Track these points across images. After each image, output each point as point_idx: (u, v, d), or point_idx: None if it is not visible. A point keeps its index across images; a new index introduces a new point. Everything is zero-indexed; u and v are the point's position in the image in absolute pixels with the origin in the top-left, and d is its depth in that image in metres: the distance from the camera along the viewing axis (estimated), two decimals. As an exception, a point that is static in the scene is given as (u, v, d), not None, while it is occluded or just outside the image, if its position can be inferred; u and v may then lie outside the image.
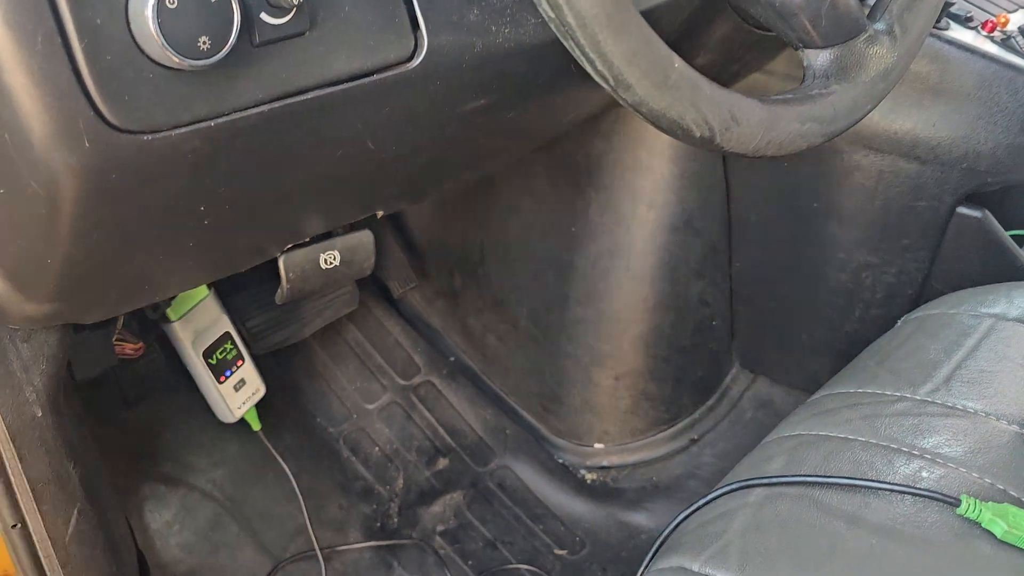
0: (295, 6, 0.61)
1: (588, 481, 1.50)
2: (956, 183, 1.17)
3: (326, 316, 1.45)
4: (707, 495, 0.86)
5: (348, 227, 0.99)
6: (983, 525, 0.75)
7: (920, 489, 0.78)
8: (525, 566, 1.40)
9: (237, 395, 1.31)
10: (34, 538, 0.90)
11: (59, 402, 0.88)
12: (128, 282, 0.77)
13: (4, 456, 0.86)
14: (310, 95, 0.65)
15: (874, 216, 1.23)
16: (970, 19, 1.16)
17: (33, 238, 0.65)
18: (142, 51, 0.57)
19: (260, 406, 1.35)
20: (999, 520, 0.74)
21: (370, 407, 1.52)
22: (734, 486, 0.85)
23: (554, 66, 0.78)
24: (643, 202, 1.33)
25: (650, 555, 0.85)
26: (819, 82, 0.80)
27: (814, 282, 1.34)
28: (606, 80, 0.65)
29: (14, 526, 0.88)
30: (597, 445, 1.51)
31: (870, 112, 0.82)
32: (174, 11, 0.56)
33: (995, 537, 0.75)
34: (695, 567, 0.77)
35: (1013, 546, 0.74)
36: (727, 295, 1.45)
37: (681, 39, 0.87)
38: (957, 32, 1.14)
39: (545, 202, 1.39)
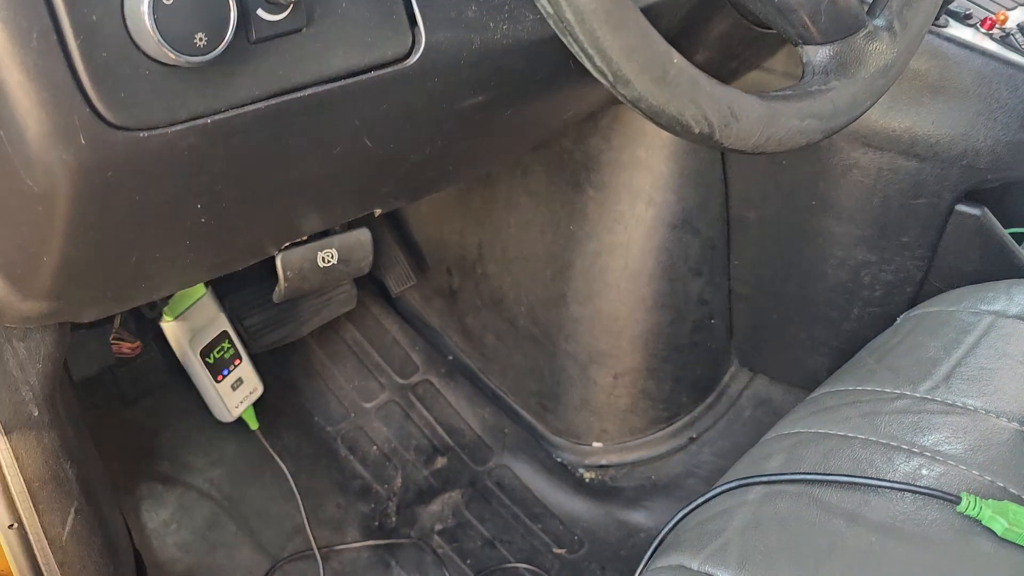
0: (292, 2, 0.61)
1: (587, 480, 1.50)
2: (955, 180, 1.16)
3: (324, 315, 1.45)
4: (706, 493, 0.86)
5: (346, 225, 0.99)
6: (983, 523, 0.75)
7: (920, 487, 0.78)
8: (524, 565, 1.40)
9: (235, 394, 1.31)
10: (31, 538, 0.89)
11: (56, 401, 0.88)
12: (125, 280, 0.77)
13: (0, 455, 0.86)
14: (307, 92, 0.64)
15: (873, 214, 1.23)
16: (969, 16, 1.16)
17: (29, 236, 0.65)
18: (138, 48, 0.57)
19: (258, 405, 1.35)
20: (999, 518, 0.74)
21: (368, 406, 1.52)
22: (733, 484, 0.85)
23: (552, 63, 0.78)
24: (641, 200, 1.33)
25: (649, 553, 0.85)
26: (818, 78, 0.80)
27: (813, 280, 1.33)
28: (605, 76, 0.65)
29: (11, 526, 0.88)
30: (596, 444, 1.51)
31: (870, 108, 0.82)
32: (170, 7, 0.55)
33: (995, 535, 0.74)
34: (694, 565, 0.77)
35: (1014, 543, 0.74)
36: (726, 293, 1.45)
37: (680, 36, 0.87)
38: (956, 29, 1.14)
39: (543, 200, 1.38)
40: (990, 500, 0.76)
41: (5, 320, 0.79)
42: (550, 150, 1.33)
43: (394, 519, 1.42)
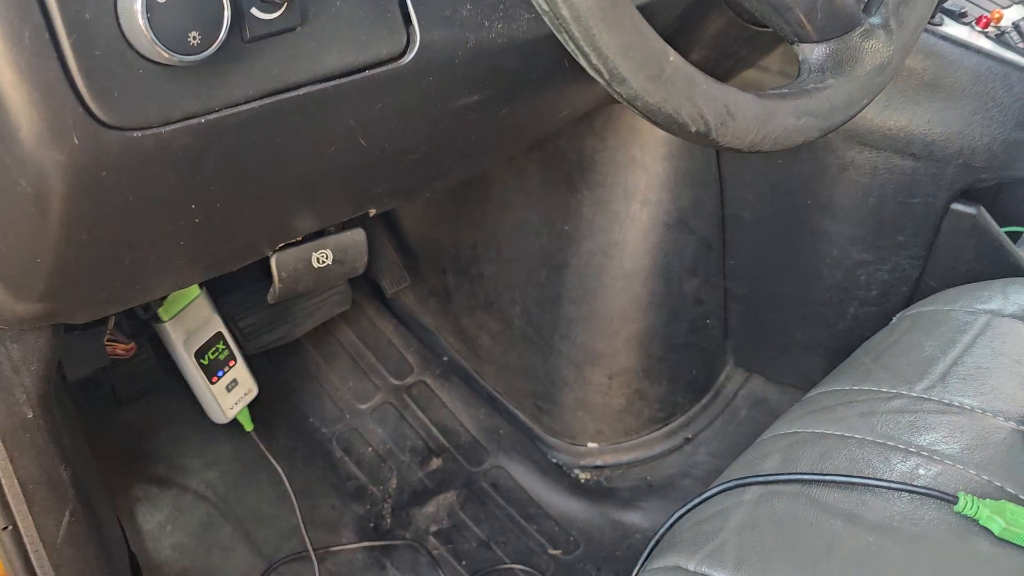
0: (286, 1, 0.60)
1: (582, 481, 1.50)
2: (951, 179, 1.16)
3: (318, 316, 1.45)
4: (702, 494, 0.86)
5: (340, 226, 0.99)
6: (981, 522, 0.75)
7: (917, 486, 0.78)
8: (519, 566, 1.40)
9: (229, 395, 1.31)
10: (25, 540, 0.89)
11: (50, 403, 0.88)
12: (119, 281, 0.77)
13: (-6, 458, 0.85)
14: (301, 91, 0.64)
15: (868, 213, 1.23)
16: (964, 15, 1.16)
17: (22, 237, 0.65)
18: (131, 46, 0.56)
19: (252, 406, 1.35)
20: (996, 517, 0.74)
21: (363, 407, 1.51)
22: (729, 485, 0.84)
23: (548, 61, 0.78)
24: (636, 200, 1.33)
25: (645, 554, 0.85)
26: (815, 76, 0.79)
27: (808, 279, 1.33)
28: (601, 74, 0.65)
29: (5, 528, 0.88)
30: (591, 444, 1.51)
31: (866, 106, 0.82)
32: (164, 6, 0.55)
33: (993, 534, 0.74)
34: (691, 566, 0.77)
35: (1011, 543, 0.74)
36: (721, 293, 1.44)
37: (675, 35, 0.86)
38: (951, 28, 1.14)
39: (538, 200, 1.38)
40: (987, 499, 0.76)
41: (-2, 321, 0.79)
42: (545, 150, 1.33)
43: (389, 520, 1.42)
